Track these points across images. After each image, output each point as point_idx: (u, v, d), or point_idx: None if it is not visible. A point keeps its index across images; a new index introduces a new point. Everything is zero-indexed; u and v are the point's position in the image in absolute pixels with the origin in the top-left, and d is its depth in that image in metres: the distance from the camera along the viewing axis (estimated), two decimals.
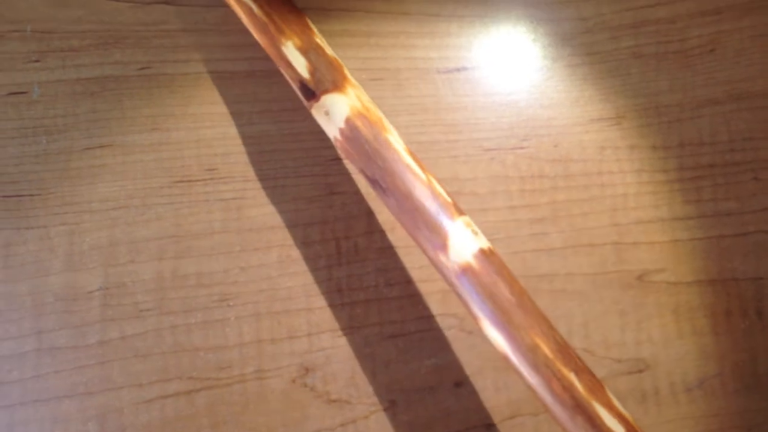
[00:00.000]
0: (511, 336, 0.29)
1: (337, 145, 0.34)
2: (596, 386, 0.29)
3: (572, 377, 0.29)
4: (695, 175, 0.42)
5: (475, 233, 0.31)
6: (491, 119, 0.42)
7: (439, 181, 0.33)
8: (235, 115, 0.40)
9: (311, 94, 0.34)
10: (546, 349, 0.29)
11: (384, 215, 0.40)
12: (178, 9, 0.40)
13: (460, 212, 0.32)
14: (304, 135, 0.40)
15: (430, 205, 0.31)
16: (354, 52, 0.41)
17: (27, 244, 0.38)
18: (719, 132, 0.43)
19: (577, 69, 0.43)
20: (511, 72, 0.42)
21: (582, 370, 0.29)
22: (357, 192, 0.40)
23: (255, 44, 0.40)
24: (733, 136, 0.43)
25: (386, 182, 0.32)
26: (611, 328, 0.40)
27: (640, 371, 0.40)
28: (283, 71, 0.35)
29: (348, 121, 0.33)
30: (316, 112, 0.34)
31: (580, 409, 0.28)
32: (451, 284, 0.31)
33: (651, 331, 0.40)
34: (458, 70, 0.42)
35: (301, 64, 0.34)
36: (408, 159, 0.32)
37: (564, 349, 0.29)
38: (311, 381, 0.38)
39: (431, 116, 0.41)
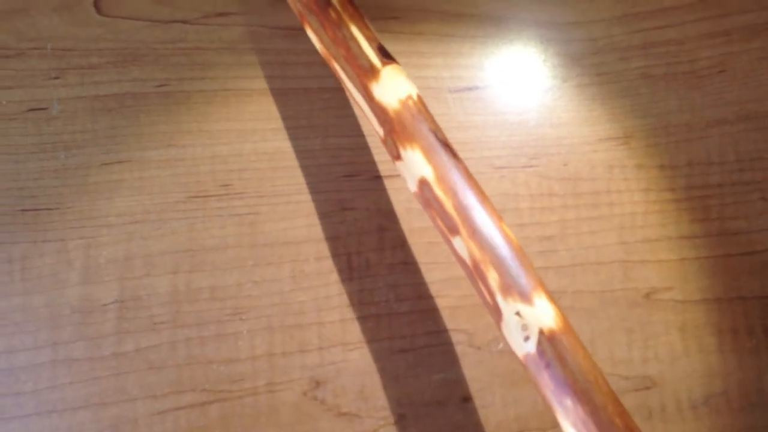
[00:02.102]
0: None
1: (409, 104, 0.34)
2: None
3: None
4: (703, 195, 0.42)
5: None
6: (502, 138, 0.42)
7: None
8: (250, 132, 0.41)
9: (391, 58, 0.35)
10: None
11: (395, 232, 0.41)
12: (195, 27, 0.41)
13: None
14: (317, 152, 0.41)
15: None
16: None
17: (44, 257, 0.38)
18: (727, 152, 0.43)
19: (586, 89, 0.43)
20: (521, 92, 0.43)
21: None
22: (368, 208, 0.41)
23: (270, 62, 0.41)
24: (741, 156, 0.43)
25: (454, 149, 0.33)
26: (618, 345, 0.41)
27: (647, 388, 0.40)
28: (359, 32, 0.35)
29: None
30: (395, 71, 0.34)
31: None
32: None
33: (658, 348, 0.41)
34: (470, 89, 0.43)
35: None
36: None
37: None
38: (322, 394, 0.39)
39: None
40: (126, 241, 0.39)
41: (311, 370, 0.39)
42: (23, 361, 0.37)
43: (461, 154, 0.42)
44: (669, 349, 0.41)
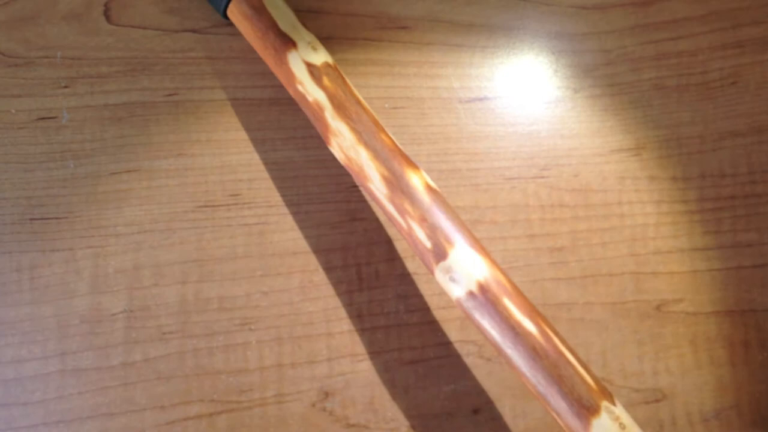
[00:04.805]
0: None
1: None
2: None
3: None
4: (715, 207, 0.42)
5: None
6: (512, 148, 0.42)
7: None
8: (260, 142, 0.40)
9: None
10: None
11: (404, 242, 0.40)
12: (205, 37, 0.41)
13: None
14: (327, 161, 0.41)
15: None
16: (378, 80, 0.41)
17: (53, 267, 0.38)
18: (740, 164, 0.43)
19: (598, 100, 0.43)
20: (532, 102, 0.43)
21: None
22: (378, 219, 0.40)
23: None
24: (753, 168, 0.43)
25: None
26: (629, 357, 0.40)
27: (658, 401, 0.40)
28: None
29: None
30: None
31: None
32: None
33: (669, 361, 0.40)
34: (480, 99, 0.42)
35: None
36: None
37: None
38: (330, 405, 0.38)
39: (453, 145, 0.42)
40: (134, 250, 0.39)
41: (320, 381, 0.39)
42: (31, 371, 0.37)
43: (471, 165, 0.41)
44: (680, 361, 0.41)
